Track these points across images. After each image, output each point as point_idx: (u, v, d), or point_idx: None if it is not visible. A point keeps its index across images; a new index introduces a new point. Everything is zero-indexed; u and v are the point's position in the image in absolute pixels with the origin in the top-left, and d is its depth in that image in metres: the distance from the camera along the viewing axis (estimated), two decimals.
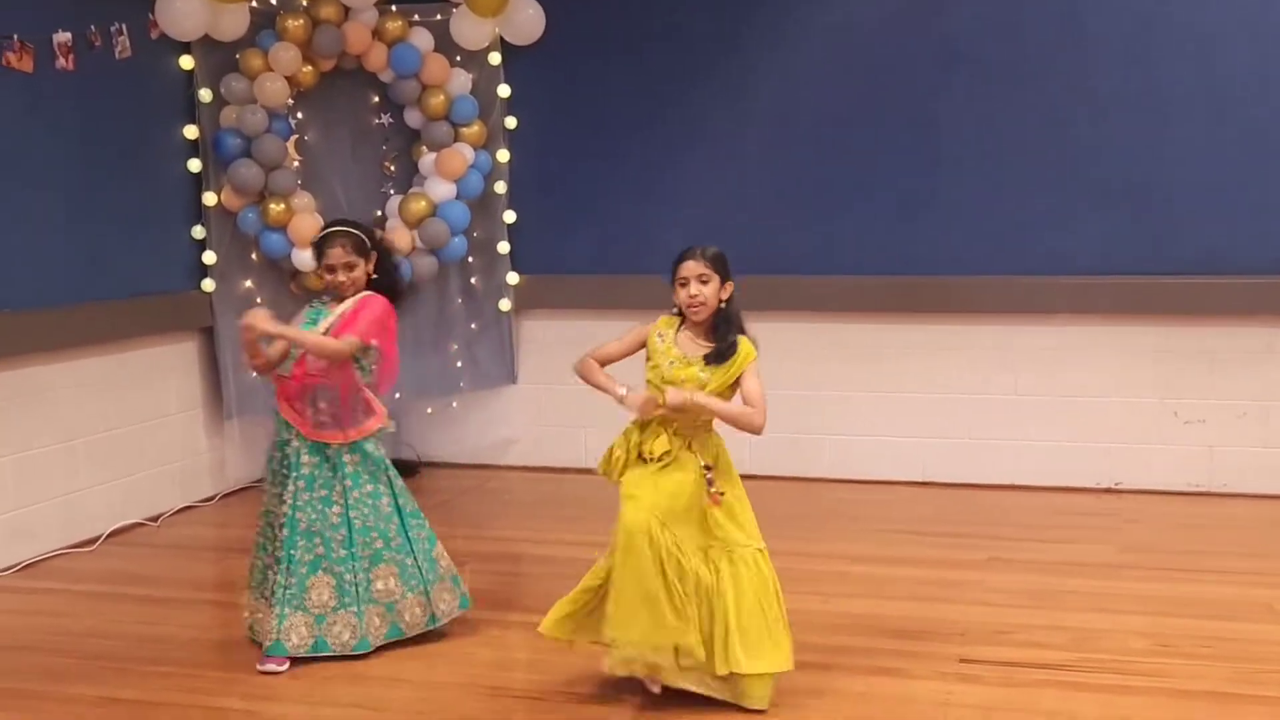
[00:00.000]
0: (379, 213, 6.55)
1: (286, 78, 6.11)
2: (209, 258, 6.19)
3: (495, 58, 6.62)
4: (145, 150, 5.95)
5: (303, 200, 6.19)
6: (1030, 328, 6.23)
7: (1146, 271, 6.00)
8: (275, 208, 6.09)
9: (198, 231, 6.20)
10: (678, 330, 3.81)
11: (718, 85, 6.50)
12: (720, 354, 3.71)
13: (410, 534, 4.22)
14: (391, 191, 6.59)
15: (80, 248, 5.55)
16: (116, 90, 5.72)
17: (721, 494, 3.71)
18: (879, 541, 5.40)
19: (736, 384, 3.74)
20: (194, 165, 6.15)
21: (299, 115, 6.35)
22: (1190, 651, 4.08)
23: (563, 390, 6.89)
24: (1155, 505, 5.94)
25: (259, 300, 6.31)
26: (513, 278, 6.84)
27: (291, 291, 6.39)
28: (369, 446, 4.18)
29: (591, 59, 6.64)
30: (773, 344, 6.30)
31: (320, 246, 4.11)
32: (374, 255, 4.15)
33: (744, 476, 6.17)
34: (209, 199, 6.16)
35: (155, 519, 5.95)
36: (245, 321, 4.02)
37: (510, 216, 6.78)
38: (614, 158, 6.70)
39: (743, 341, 3.74)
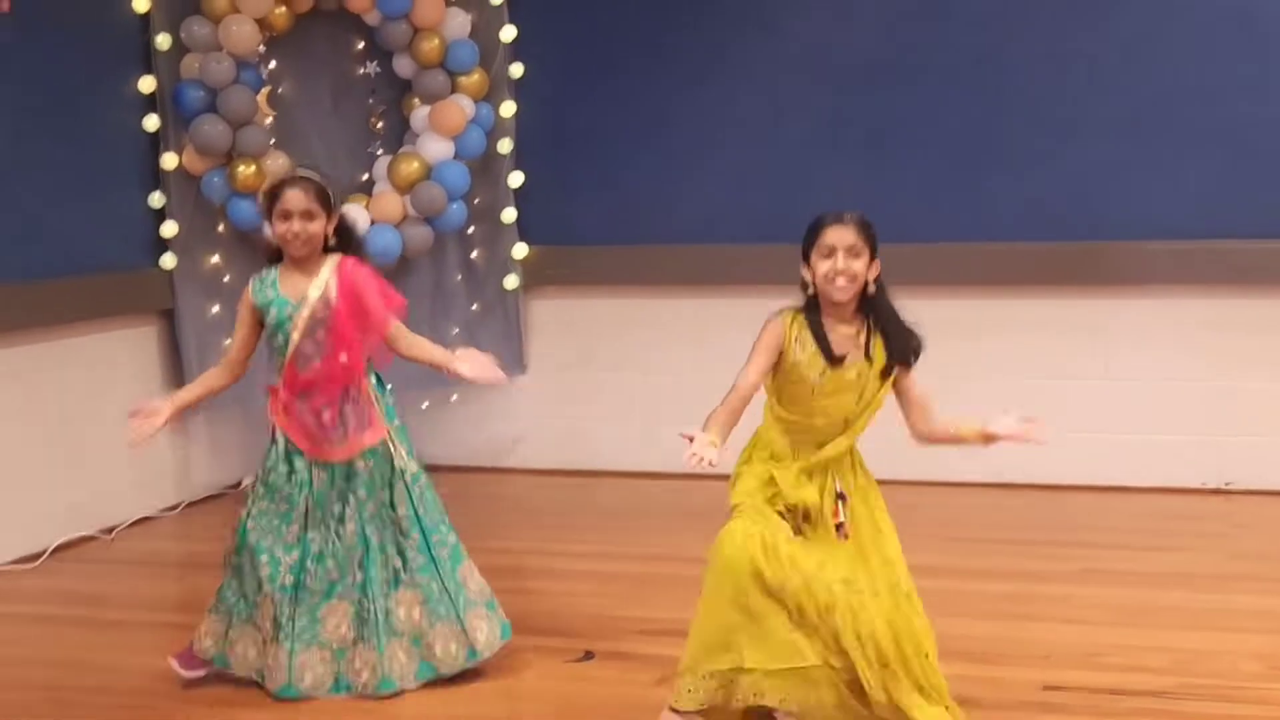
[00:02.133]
0: (365, 176, 6.49)
1: (256, 20, 6.05)
2: (169, 229, 6.14)
3: None
4: (93, 105, 5.90)
5: (277, 162, 6.13)
6: (1123, 300, 6.12)
7: (1263, 234, 5.87)
8: (244, 170, 6.04)
9: (155, 199, 6.15)
10: (805, 327, 3.50)
11: (755, 22, 6.41)
12: (904, 350, 3.56)
13: (433, 551, 4.11)
14: (380, 151, 6.53)
15: (15, 218, 5.48)
16: (60, 35, 5.66)
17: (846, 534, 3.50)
18: (951, 551, 5.29)
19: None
20: (150, 123, 6.09)
21: (271, 64, 6.31)
22: None
23: (577, 380, 6.86)
24: (1273, 508, 5.83)
25: (226, 279, 6.25)
26: (520, 250, 6.76)
27: None
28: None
29: None
30: None
31: (276, 191, 3.98)
32: (335, 215, 4.04)
33: None
34: (168, 161, 6.11)
35: (109, 531, 5.90)
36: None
37: (517, 179, 6.71)
38: (636, 110, 6.61)
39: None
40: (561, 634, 4.52)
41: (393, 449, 4.08)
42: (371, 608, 3.97)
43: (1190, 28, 5.92)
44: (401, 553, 4.04)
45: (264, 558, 3.96)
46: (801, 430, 3.51)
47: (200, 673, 4.06)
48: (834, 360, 3.47)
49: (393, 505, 4.05)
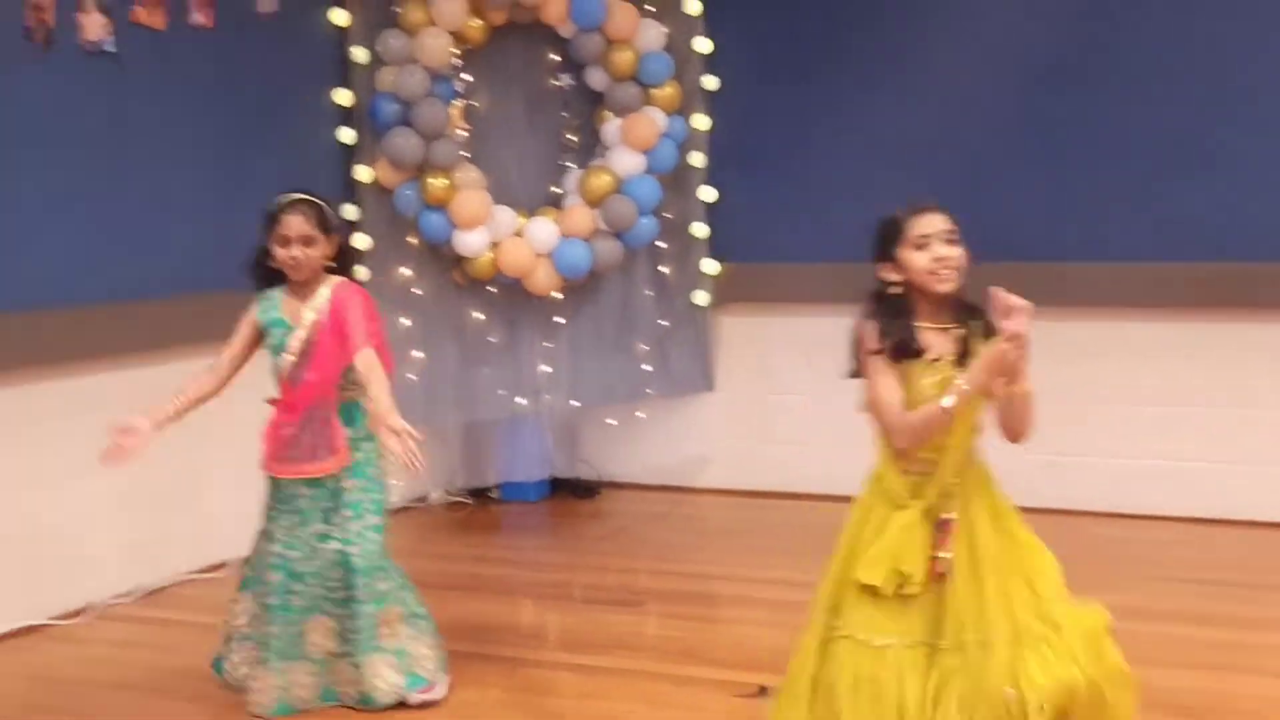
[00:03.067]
0: (557, 189, 6.43)
1: (451, 33, 6.03)
2: (362, 241, 6.15)
3: (694, 6, 6.44)
4: (291, 118, 5.96)
5: (468, 175, 6.10)
6: (1222, 326, 5.84)
7: None
8: (436, 184, 6.02)
9: (349, 211, 6.17)
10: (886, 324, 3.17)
11: (967, 36, 6.18)
12: (986, 327, 3.07)
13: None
14: (571, 165, 6.46)
15: (215, 230, 5.54)
16: (259, 49, 5.73)
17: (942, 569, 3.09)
18: (1154, 592, 5.00)
19: None
20: (346, 135, 6.13)
21: (466, 77, 6.27)
22: None
23: (768, 400, 6.70)
24: None
25: (417, 292, 6.25)
26: (710, 266, 6.63)
27: (455, 281, 6.31)
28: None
29: (807, 6, 6.39)
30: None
31: (275, 216, 3.98)
32: (335, 238, 4.05)
33: None
34: (362, 174, 6.13)
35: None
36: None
37: (709, 194, 6.58)
38: (832, 124, 6.42)
39: None
40: (739, 666, 4.37)
41: (345, 481, 4.03)
42: (358, 626, 3.99)
43: None
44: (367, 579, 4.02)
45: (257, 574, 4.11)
46: (926, 461, 3.13)
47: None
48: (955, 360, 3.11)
49: (339, 536, 4.02)
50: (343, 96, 6.12)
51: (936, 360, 3.12)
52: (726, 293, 6.67)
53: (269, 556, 4.03)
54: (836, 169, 6.40)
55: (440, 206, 6.07)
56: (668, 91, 6.34)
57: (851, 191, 6.35)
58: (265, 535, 4.09)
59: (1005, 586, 3.10)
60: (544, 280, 6.23)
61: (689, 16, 6.44)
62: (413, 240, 6.25)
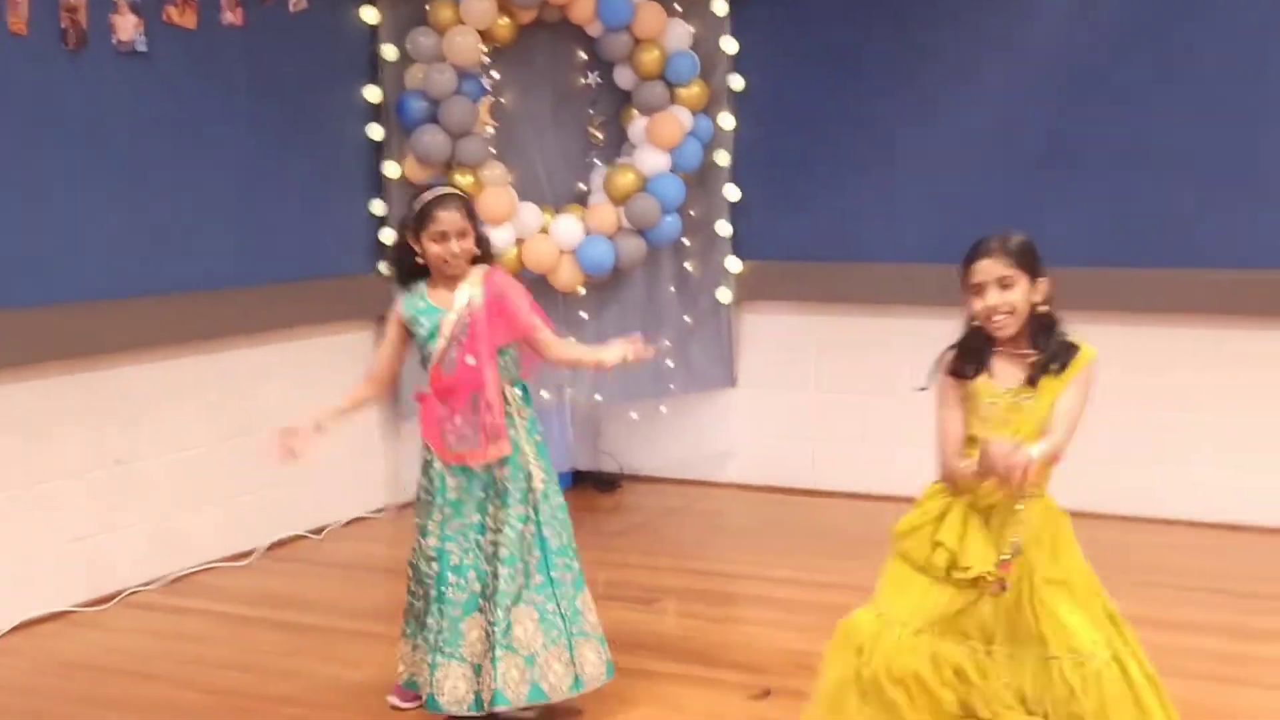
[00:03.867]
0: (583, 186, 6.49)
1: (480, 32, 6.09)
2: (389, 236, 6.23)
3: (721, 6, 6.48)
4: (321, 115, 6.04)
5: (494, 172, 6.17)
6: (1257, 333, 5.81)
7: None
8: (462, 180, 6.09)
9: (377, 206, 6.26)
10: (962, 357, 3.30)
11: (993, 35, 6.17)
12: (1055, 358, 3.21)
13: (553, 573, 4.03)
14: (598, 162, 6.51)
15: (245, 224, 5.67)
16: (290, 47, 5.81)
17: (1005, 587, 3.23)
18: (1165, 600, 5.01)
19: None
20: (375, 132, 6.21)
21: (494, 75, 6.33)
22: None
23: (790, 396, 6.75)
24: None
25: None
26: (734, 264, 6.68)
27: None
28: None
29: (835, 6, 6.41)
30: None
31: (429, 210, 3.91)
32: (478, 227, 4.01)
33: None
34: (390, 170, 6.21)
35: (319, 531, 6.05)
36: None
37: (733, 193, 6.62)
38: (861, 124, 6.44)
39: (1082, 344, 3.27)
40: (746, 668, 4.43)
41: (528, 465, 3.99)
42: (495, 621, 3.90)
43: None
44: (526, 569, 3.96)
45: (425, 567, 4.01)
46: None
47: (408, 705, 4.10)
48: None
49: (523, 519, 3.97)
50: (372, 93, 6.19)
51: (1010, 390, 3.23)
52: (749, 290, 6.72)
53: (425, 549, 3.98)
54: (859, 170, 6.43)
55: None
56: (694, 91, 6.38)
57: (874, 192, 6.42)
58: (474, 525, 3.96)
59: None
60: (568, 277, 6.29)
61: (716, 16, 6.47)
62: None
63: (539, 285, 6.38)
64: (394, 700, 4.12)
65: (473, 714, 3.89)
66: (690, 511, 6.57)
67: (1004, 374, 3.25)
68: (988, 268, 3.21)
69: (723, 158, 6.57)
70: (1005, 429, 3.20)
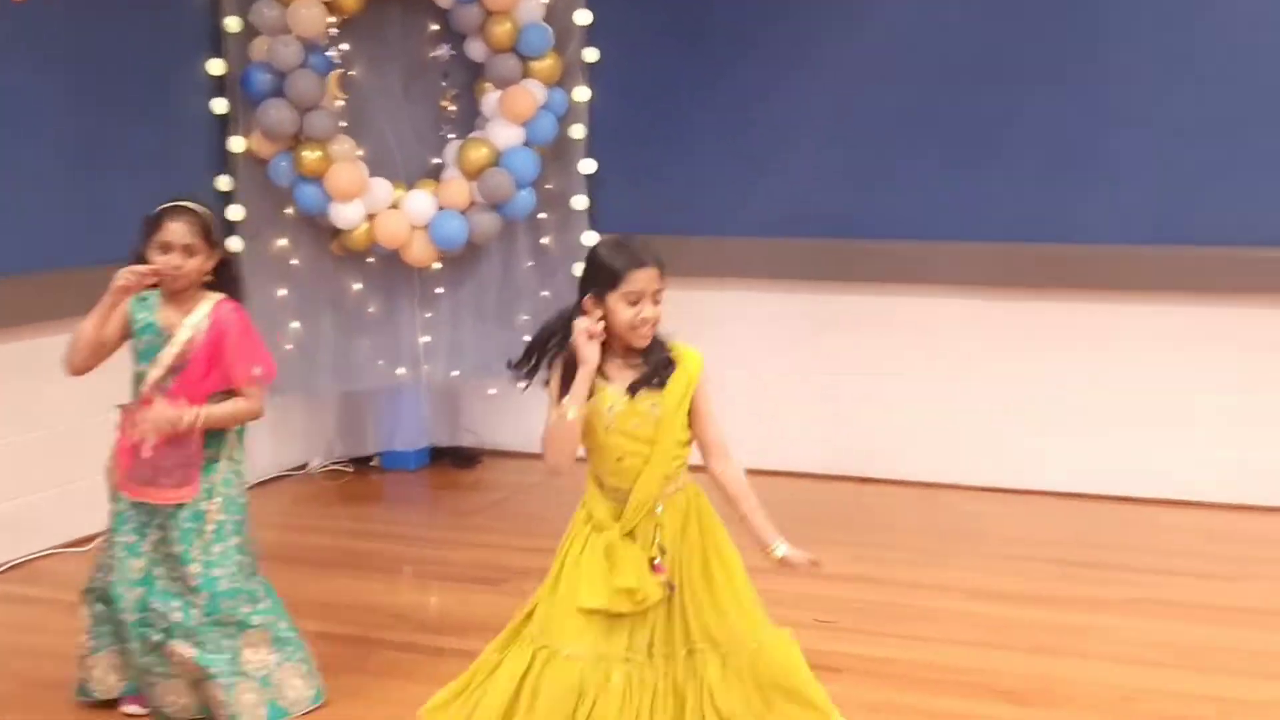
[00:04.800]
0: (436, 160, 6.43)
1: (326, 3, 5.99)
2: (235, 212, 6.13)
3: None
4: (161, 89, 5.90)
5: (343, 146, 6.08)
6: (1203, 308, 5.84)
7: None
8: (310, 155, 6.00)
9: (223, 182, 6.15)
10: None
11: (840, 14, 6.24)
12: (658, 371, 3.17)
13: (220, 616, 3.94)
14: (451, 136, 6.46)
15: (82, 202, 5.52)
16: (126, 18, 5.66)
17: (673, 587, 3.18)
18: (1005, 571, 5.12)
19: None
20: (219, 106, 6.09)
21: (343, 47, 6.23)
22: None
23: None
24: None
25: (293, 262, 6.25)
26: (590, 238, 6.66)
27: (333, 253, 6.31)
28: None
29: None
30: (895, 321, 6.20)
31: (158, 218, 3.81)
32: (217, 251, 3.89)
33: (860, 480, 5.87)
34: (236, 145, 6.10)
35: None
36: None
37: (589, 166, 6.60)
38: (715, 96, 6.45)
39: (678, 346, 3.24)
40: None
41: (205, 506, 3.88)
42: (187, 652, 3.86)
43: None
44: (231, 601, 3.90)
45: (113, 588, 3.91)
46: (617, 490, 3.23)
47: (144, 710, 4.01)
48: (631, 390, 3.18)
49: (192, 560, 3.85)
50: (215, 66, 6.06)
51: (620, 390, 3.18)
52: None
53: (131, 573, 3.88)
54: (715, 142, 6.46)
55: (315, 178, 6.05)
56: (547, 63, 6.34)
57: (729, 165, 6.45)
58: (126, 548, 3.89)
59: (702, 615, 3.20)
60: (421, 252, 6.24)
61: None
62: (289, 211, 6.23)
63: (392, 261, 6.34)
64: (133, 709, 4.02)
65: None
66: (549, 487, 6.54)
67: (619, 380, 3.20)
68: (649, 278, 3.15)
69: (578, 131, 6.54)
70: (628, 433, 3.17)
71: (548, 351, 3.28)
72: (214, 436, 3.89)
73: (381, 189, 6.16)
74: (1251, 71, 5.68)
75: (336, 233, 6.24)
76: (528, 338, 6.65)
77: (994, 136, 6.05)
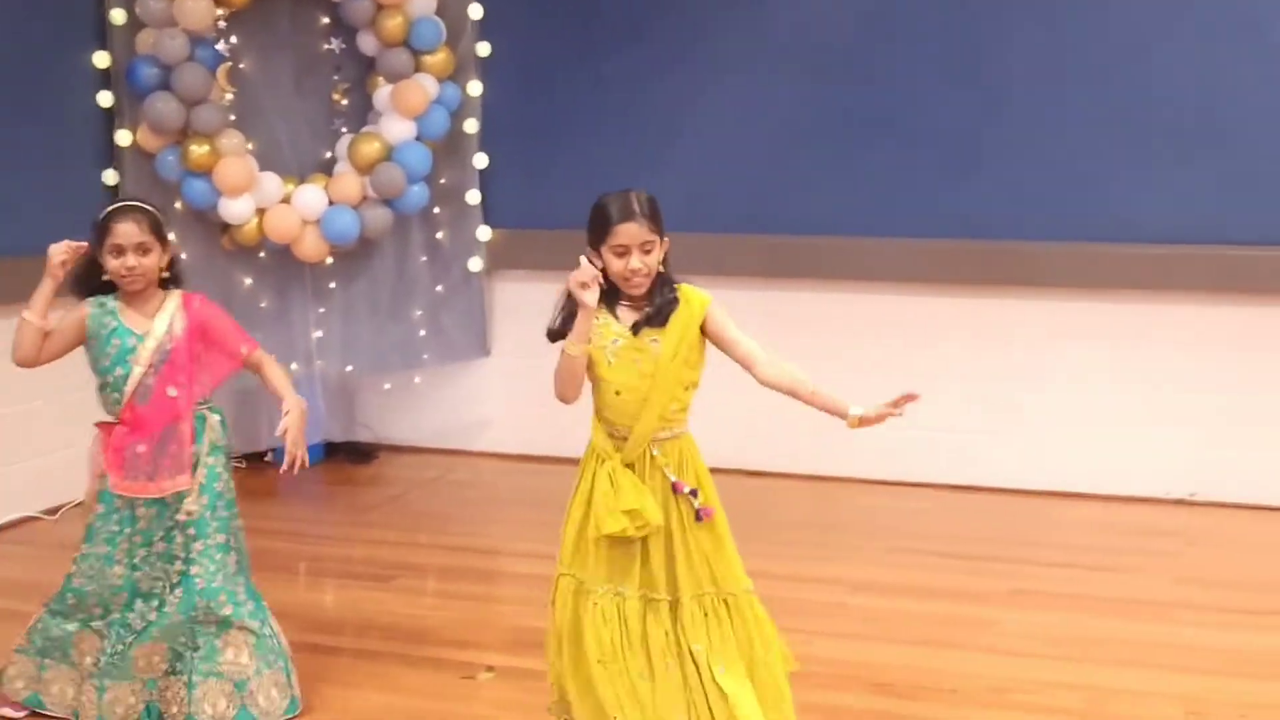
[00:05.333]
0: (328, 154, 6.40)
1: None
2: None
3: None
4: (46, 82, 5.82)
5: (233, 140, 6.03)
6: (1093, 304, 5.94)
7: (1240, 241, 5.69)
8: (198, 149, 5.95)
9: (109, 177, 6.08)
10: (607, 304, 3.38)
11: (736, 7, 6.28)
12: (661, 310, 3.34)
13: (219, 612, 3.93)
14: (343, 130, 6.42)
15: None
16: (8, 10, 5.60)
17: (710, 511, 3.38)
18: (892, 564, 5.20)
19: (701, 347, 3.39)
20: (105, 99, 6.01)
21: (232, 40, 6.18)
22: None
23: (544, 364, 6.71)
24: (1233, 523, 5.69)
25: (183, 257, 6.18)
26: (484, 233, 6.67)
27: (224, 248, 6.26)
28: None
29: None
30: (784, 315, 6.25)
31: (106, 222, 3.77)
32: (169, 246, 3.88)
33: (751, 473, 5.93)
34: (122, 138, 6.03)
35: (54, 512, 5.89)
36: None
37: (482, 161, 6.61)
38: (607, 93, 6.48)
39: (686, 288, 3.38)
40: (475, 646, 4.47)
41: (193, 501, 3.86)
42: (183, 650, 3.86)
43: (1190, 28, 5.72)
44: (207, 600, 3.87)
45: (91, 599, 3.87)
46: (620, 427, 3.41)
47: (20, 714, 3.98)
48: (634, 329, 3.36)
49: (181, 555, 3.86)
50: (101, 59, 5.98)
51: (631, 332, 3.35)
52: (501, 259, 6.72)
53: (109, 578, 3.83)
54: (608, 136, 6.47)
55: (204, 173, 6.00)
56: (440, 58, 6.33)
57: (623, 159, 6.45)
58: (102, 558, 3.84)
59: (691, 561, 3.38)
60: (312, 247, 6.21)
61: None
62: (177, 206, 6.17)
63: (284, 256, 6.30)
64: (8, 712, 3.99)
65: None
66: (446, 482, 6.58)
67: (625, 319, 3.37)
68: (633, 232, 3.29)
69: (471, 125, 6.54)
70: (629, 367, 3.34)
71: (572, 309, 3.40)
72: (200, 427, 3.88)
73: (272, 183, 6.12)
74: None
75: (226, 228, 6.19)
76: (422, 332, 6.75)
77: (888, 129, 6.12)
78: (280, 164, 6.23)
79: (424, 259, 6.64)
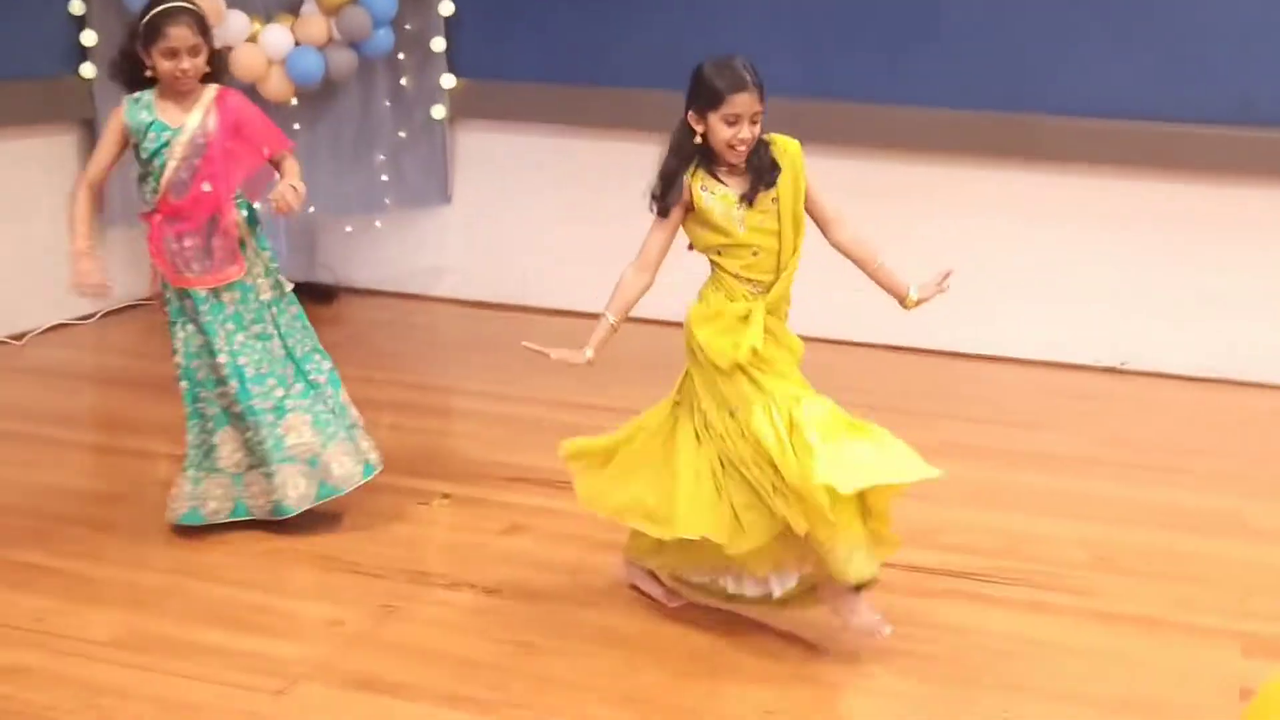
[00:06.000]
0: None
1: None
2: (89, 38, 6.13)
3: None
4: None
5: None
6: (1038, 176, 6.11)
7: (1174, 117, 5.86)
8: None
9: (76, 6, 6.12)
10: (708, 171, 3.42)
11: None
12: (764, 173, 3.39)
13: (309, 378, 4.22)
14: None
15: None
16: None
17: None
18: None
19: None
20: None
21: None
22: (1130, 568, 4.11)
23: (504, 214, 6.91)
24: (1159, 391, 5.91)
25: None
26: (449, 80, 6.76)
27: None
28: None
29: None
30: None
31: (157, 24, 3.82)
32: (209, 43, 3.96)
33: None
34: None
35: (19, 337, 6.04)
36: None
37: (447, 8, 6.66)
38: None
39: (779, 139, 3.44)
40: (424, 475, 4.67)
41: (257, 282, 4.13)
42: (261, 437, 4.06)
43: None
44: (284, 381, 4.13)
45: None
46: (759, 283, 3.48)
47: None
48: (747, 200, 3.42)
49: (264, 337, 4.13)
50: None
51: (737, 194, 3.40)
52: (465, 108, 6.82)
53: (219, 369, 4.05)
54: None
55: None
56: None
57: (589, 15, 6.52)
58: (204, 348, 4.06)
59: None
60: (277, 87, 6.28)
61: None
62: None
63: (249, 95, 6.35)
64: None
65: (232, 519, 4.13)
66: (403, 324, 6.74)
67: (733, 185, 3.42)
68: (747, 102, 3.30)
69: None
70: (759, 229, 3.41)
71: (678, 176, 3.43)
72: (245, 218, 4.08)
73: (238, 21, 6.17)
74: None
75: None
76: (384, 177, 6.84)
77: None
78: (247, 2, 6.28)
79: (387, 104, 6.74)
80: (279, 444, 4.08)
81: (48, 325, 6.20)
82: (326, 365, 4.29)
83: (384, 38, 6.43)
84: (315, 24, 6.27)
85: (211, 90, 3.99)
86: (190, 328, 4.07)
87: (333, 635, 3.62)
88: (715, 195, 3.41)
